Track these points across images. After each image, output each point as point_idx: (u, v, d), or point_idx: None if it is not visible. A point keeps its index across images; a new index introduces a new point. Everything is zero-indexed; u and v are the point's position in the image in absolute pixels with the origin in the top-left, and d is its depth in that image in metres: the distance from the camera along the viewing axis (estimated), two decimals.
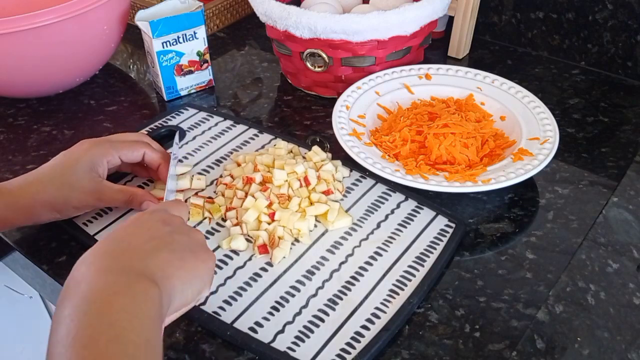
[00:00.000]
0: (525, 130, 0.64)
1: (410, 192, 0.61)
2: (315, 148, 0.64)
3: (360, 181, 0.63)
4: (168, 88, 0.77)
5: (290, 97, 0.79)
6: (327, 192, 0.59)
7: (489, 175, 0.58)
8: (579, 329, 0.48)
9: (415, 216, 0.59)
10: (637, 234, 0.56)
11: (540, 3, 0.82)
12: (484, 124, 0.66)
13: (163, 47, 0.73)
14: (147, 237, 0.42)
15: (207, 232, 0.58)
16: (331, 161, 0.63)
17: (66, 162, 0.56)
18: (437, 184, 0.57)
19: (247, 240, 0.57)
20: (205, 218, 0.59)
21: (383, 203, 0.60)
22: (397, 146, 0.63)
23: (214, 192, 0.62)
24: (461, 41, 0.84)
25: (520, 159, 0.60)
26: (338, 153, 0.64)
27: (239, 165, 0.64)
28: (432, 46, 0.85)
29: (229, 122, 0.72)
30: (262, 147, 0.68)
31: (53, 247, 0.58)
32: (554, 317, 0.49)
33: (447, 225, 0.57)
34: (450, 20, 0.86)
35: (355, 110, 0.68)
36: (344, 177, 0.63)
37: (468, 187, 0.56)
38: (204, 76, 0.79)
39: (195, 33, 0.75)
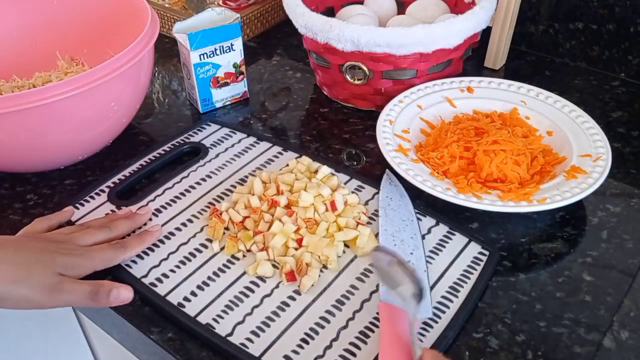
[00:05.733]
0: (576, 146, 0.62)
1: (441, 217, 0.59)
2: (324, 168, 0.62)
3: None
4: (204, 100, 0.76)
5: (326, 110, 0.78)
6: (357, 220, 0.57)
7: (543, 194, 0.56)
8: None
9: (447, 242, 0.56)
10: None
11: (580, 14, 0.81)
12: (532, 139, 0.64)
13: (200, 60, 0.72)
14: None
15: (233, 256, 0.55)
16: (342, 186, 0.61)
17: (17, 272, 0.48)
18: (491, 203, 0.55)
19: (274, 266, 0.54)
20: (239, 251, 0.55)
21: None
22: (446, 162, 0.61)
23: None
24: (499, 52, 0.82)
25: (574, 176, 0.58)
26: (381, 167, 0.62)
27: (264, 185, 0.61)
28: (468, 57, 0.83)
29: (252, 139, 0.70)
30: (287, 165, 0.65)
31: None
32: (620, 344, 0.48)
33: (480, 253, 0.55)
34: (485, 30, 0.85)
35: (398, 125, 0.66)
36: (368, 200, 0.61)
37: (523, 207, 0.55)
38: (239, 88, 0.78)
39: (232, 45, 0.73)
